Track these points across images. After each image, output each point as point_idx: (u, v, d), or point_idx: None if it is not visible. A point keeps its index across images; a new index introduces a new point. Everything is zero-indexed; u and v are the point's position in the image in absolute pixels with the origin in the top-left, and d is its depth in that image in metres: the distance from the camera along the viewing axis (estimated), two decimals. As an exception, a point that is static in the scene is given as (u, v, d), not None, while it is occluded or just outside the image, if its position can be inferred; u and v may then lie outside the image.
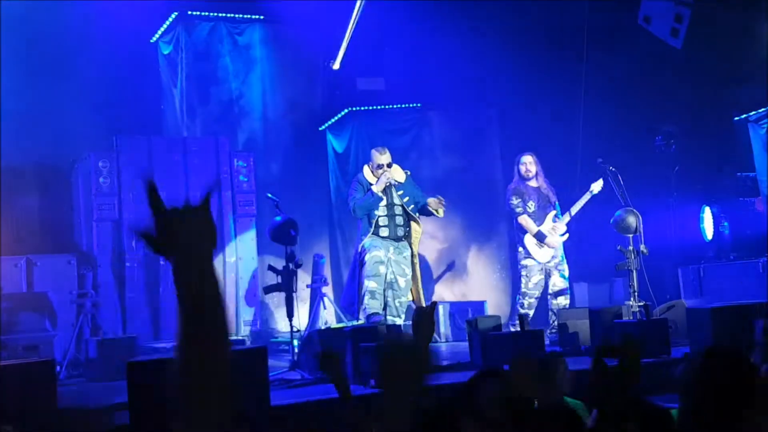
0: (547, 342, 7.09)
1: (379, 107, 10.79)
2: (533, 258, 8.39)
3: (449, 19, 10.11)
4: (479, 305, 9.54)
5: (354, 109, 10.74)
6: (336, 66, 9.91)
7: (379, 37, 10.26)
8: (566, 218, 8.50)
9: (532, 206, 8.45)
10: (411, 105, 10.86)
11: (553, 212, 8.52)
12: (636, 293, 7.38)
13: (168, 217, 1.35)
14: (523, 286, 8.45)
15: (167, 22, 10.31)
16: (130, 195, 8.85)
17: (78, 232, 9.26)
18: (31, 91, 9.37)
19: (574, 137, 8.55)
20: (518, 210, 8.45)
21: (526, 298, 8.34)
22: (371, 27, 10.05)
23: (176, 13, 10.15)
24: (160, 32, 10.48)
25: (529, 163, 8.52)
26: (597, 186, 8.44)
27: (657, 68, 9.98)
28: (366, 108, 10.74)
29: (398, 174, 8.03)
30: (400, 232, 7.93)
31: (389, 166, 7.97)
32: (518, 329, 6.74)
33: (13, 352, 7.20)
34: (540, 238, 8.38)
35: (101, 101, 9.53)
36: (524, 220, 8.43)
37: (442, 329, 9.08)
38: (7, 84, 9.12)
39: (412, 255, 7.95)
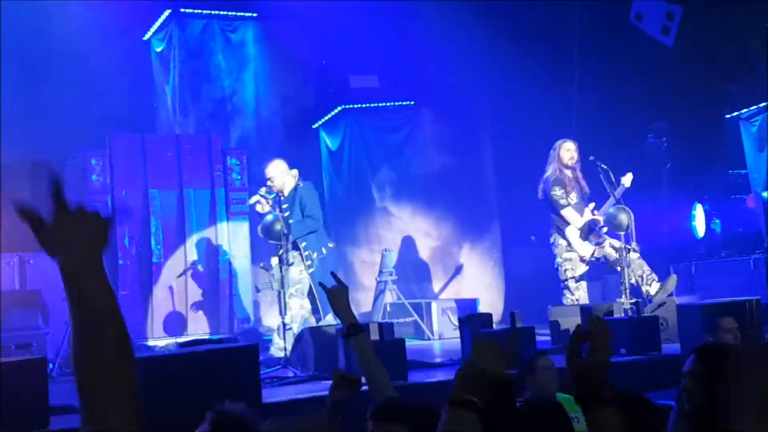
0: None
1: (372, 105, 10.81)
2: (575, 251, 8.06)
3: (442, 17, 10.13)
4: (471, 303, 9.57)
5: (347, 106, 10.75)
6: None
7: (372, 34, 10.26)
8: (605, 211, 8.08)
9: (574, 198, 8.07)
10: (404, 103, 10.88)
11: (592, 205, 8.16)
12: (627, 291, 7.39)
13: (68, 216, 1.34)
14: (563, 277, 8.10)
15: (160, 20, 10.31)
16: (123, 192, 8.85)
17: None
18: (24, 88, 9.35)
19: (566, 135, 8.54)
20: (562, 202, 8.00)
21: (573, 292, 8.04)
22: (364, 25, 10.06)
23: (169, 11, 10.14)
24: (152, 30, 10.47)
25: (574, 150, 8.08)
26: (627, 179, 8.05)
27: (648, 66, 10.01)
28: (359, 105, 10.76)
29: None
30: None
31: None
32: (512, 326, 6.74)
33: (6, 349, 7.19)
34: (586, 231, 8.05)
35: (94, 98, 9.50)
36: (569, 213, 8.03)
37: (435, 327, 9.10)
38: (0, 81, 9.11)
39: None
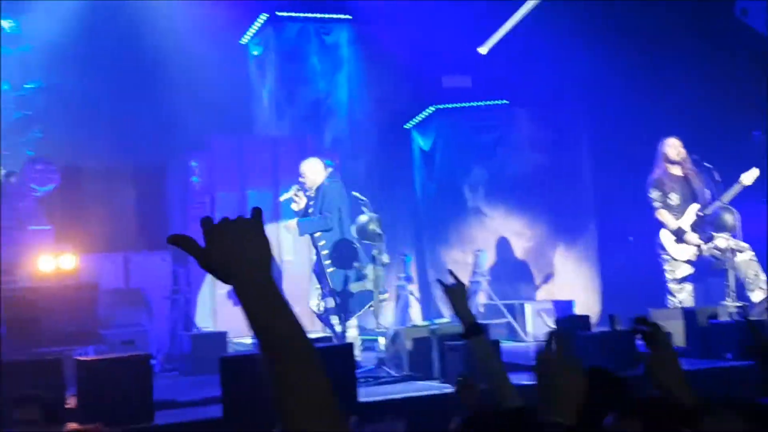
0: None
1: (465, 105, 10.75)
2: (670, 254, 7.93)
3: (537, 16, 9.98)
4: (567, 304, 9.39)
5: (440, 107, 10.72)
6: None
7: (465, 34, 10.21)
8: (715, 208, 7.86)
9: (675, 199, 7.90)
10: (498, 102, 10.77)
11: (696, 206, 7.91)
12: (733, 293, 7.11)
13: (219, 229, 1.26)
14: (667, 280, 7.97)
15: (257, 24, 10.54)
16: (222, 194, 9.07)
17: (172, 230, 9.54)
18: (126, 93, 9.72)
19: (667, 133, 8.27)
20: (656, 204, 7.90)
21: (675, 294, 7.90)
22: (457, 25, 10.02)
23: (266, 15, 10.36)
24: (249, 34, 10.71)
25: (679, 146, 7.91)
26: (747, 177, 7.73)
27: (754, 61, 9.61)
28: (452, 106, 10.72)
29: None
30: None
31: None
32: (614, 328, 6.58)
33: (111, 346, 7.47)
34: (678, 234, 7.90)
35: (194, 102, 9.79)
36: (662, 215, 7.90)
37: (529, 328, 8.98)
38: (103, 87, 9.49)
39: None
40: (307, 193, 7.38)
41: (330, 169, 7.58)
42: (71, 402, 5.09)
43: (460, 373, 2.91)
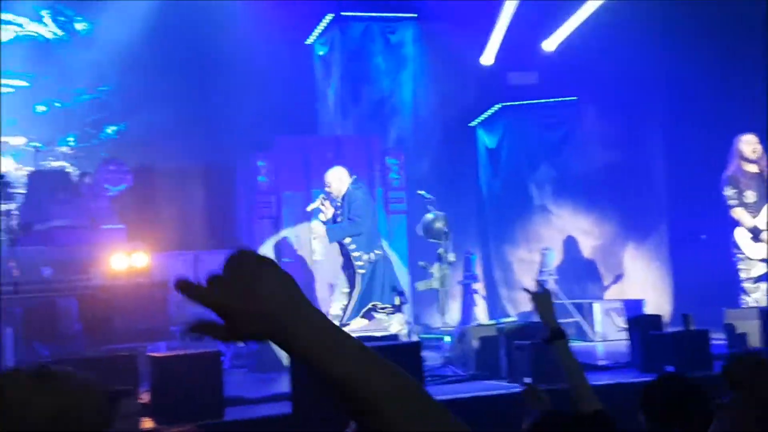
0: None
1: (532, 102, 10.63)
2: (745, 253, 7.71)
3: (606, 9, 9.80)
4: (636, 304, 9.21)
5: (506, 104, 10.63)
6: (487, 61, 9.85)
7: (530, 31, 10.09)
8: None
9: (751, 196, 7.69)
10: (566, 99, 10.61)
11: None
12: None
13: (223, 280, 0.97)
14: (742, 279, 7.77)
15: (322, 24, 10.63)
16: (287, 193, 9.17)
17: (239, 228, 9.69)
18: (197, 95, 9.91)
19: (743, 129, 7.98)
20: (731, 202, 7.69)
21: (750, 293, 7.69)
22: (524, 21, 9.91)
23: (332, 15, 10.44)
24: (315, 34, 10.81)
25: (756, 143, 7.69)
26: None
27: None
28: (518, 103, 10.61)
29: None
30: None
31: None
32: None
33: (183, 342, 7.60)
34: (754, 232, 7.67)
35: (262, 102, 9.92)
36: (737, 213, 7.68)
37: (597, 328, 8.83)
38: (173, 88, 9.68)
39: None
40: (335, 203, 7.43)
41: (354, 177, 7.58)
42: (144, 397, 5.20)
43: (527, 382, 2.92)
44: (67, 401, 1.45)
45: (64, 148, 9.12)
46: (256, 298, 0.96)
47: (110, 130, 9.66)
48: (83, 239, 8.00)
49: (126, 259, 7.52)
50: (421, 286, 7.29)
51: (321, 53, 10.77)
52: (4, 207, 7.80)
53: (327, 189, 7.53)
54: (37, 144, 8.78)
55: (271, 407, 5.43)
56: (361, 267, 7.27)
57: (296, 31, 10.56)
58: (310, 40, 10.91)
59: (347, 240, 7.36)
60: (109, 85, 9.50)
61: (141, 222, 8.91)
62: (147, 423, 4.92)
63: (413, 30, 10.74)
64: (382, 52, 10.59)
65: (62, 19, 9.72)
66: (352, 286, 7.39)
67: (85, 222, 8.34)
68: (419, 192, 7.84)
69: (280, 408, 5.27)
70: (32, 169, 8.59)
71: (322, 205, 7.44)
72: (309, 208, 7.97)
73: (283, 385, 5.58)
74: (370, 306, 7.22)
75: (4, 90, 9.01)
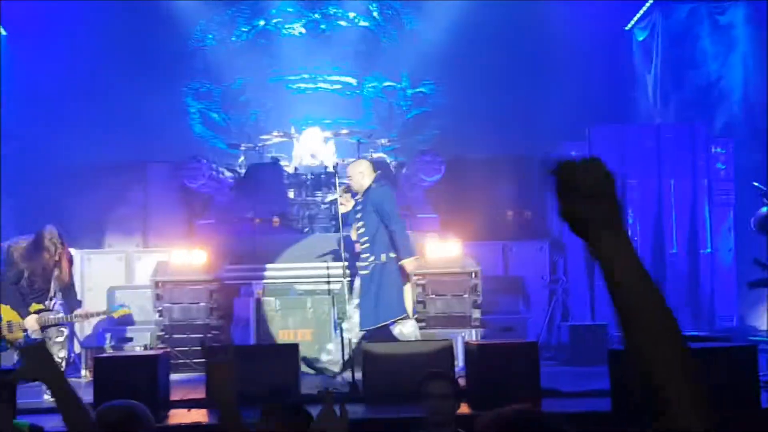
0: None
1: None
2: None
3: None
4: None
5: None
6: None
7: None
8: None
9: None
10: None
11: None
12: None
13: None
14: None
15: (643, 9, 10.38)
16: (633, 181, 8.88)
17: (551, 219, 9.55)
18: (508, 85, 10.00)
19: None
20: None
21: None
22: None
23: (653, -1, 10.07)
24: (635, 19, 10.57)
25: None
26: None
27: None
28: None
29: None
30: None
31: None
32: None
33: (491, 331, 7.67)
34: None
35: (575, 92, 9.80)
36: None
37: None
38: (484, 80, 9.87)
39: None
40: (356, 198, 6.93)
41: (378, 172, 7.00)
42: (461, 381, 5.28)
43: None
44: None
45: (383, 140, 9.61)
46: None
47: (433, 124, 10.07)
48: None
49: (440, 247, 7.72)
50: (754, 284, 6.64)
51: (641, 38, 10.57)
52: (330, 197, 8.40)
53: (348, 181, 7.22)
54: (359, 135, 9.33)
55: (587, 402, 5.26)
56: (364, 268, 6.79)
57: (616, 17, 10.40)
58: (629, 26, 10.70)
59: (363, 239, 6.91)
60: (430, 83, 9.91)
61: (452, 211, 9.12)
62: (463, 408, 4.98)
63: (744, 10, 10.05)
64: (709, 35, 10.07)
65: (389, 12, 10.35)
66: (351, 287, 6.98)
67: (403, 210, 8.70)
68: (754, 183, 7.18)
69: (596, 404, 5.08)
70: (353, 160, 9.14)
71: (342, 197, 7.12)
72: (327, 199, 7.81)
73: (598, 380, 5.39)
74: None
75: (332, 87, 9.73)
